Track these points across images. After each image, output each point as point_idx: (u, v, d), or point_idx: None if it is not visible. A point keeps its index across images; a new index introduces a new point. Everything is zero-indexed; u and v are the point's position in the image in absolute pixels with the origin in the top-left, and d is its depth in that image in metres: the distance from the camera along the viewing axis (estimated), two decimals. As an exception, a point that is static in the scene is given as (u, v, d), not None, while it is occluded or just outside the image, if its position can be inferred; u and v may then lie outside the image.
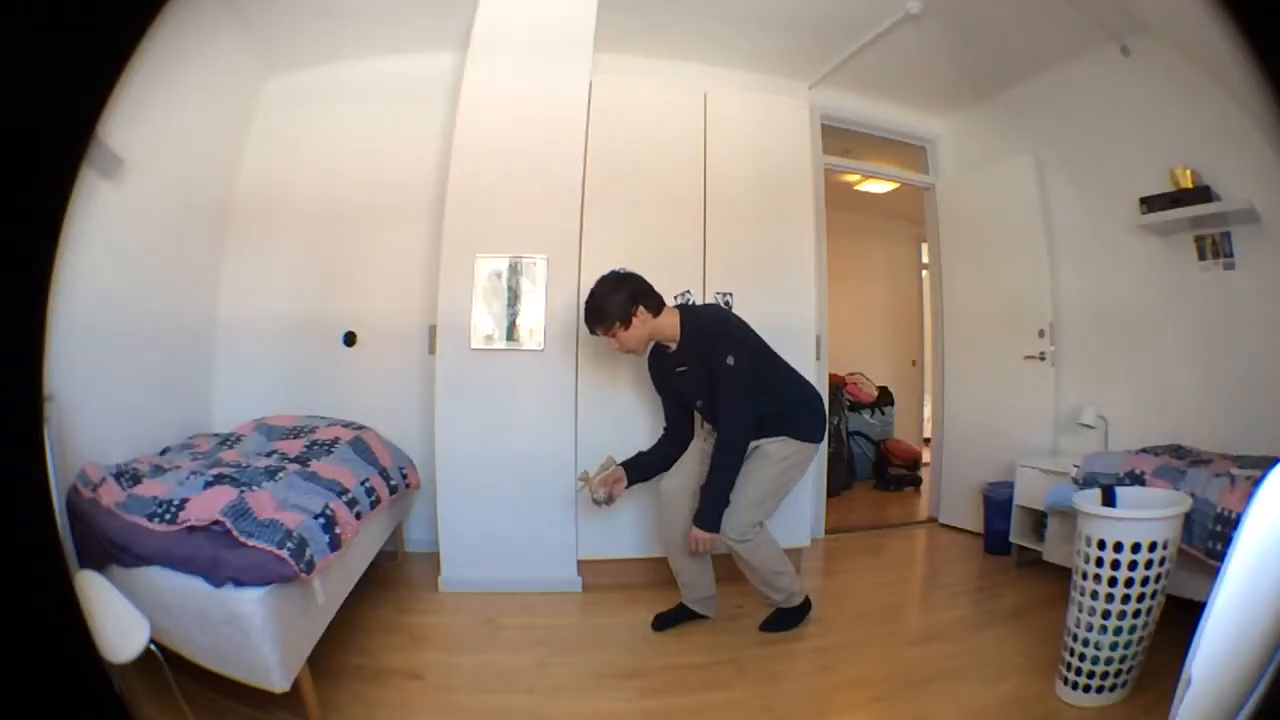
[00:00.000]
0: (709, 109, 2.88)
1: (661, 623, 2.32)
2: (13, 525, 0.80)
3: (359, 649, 2.06)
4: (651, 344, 2.30)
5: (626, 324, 2.18)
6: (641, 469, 2.39)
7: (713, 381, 2.17)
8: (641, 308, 2.20)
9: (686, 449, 2.40)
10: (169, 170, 2.37)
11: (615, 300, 2.18)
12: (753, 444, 2.23)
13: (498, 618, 2.36)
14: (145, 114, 2.05)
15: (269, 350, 2.88)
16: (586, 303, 2.23)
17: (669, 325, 2.24)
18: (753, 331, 2.26)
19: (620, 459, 2.39)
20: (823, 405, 2.41)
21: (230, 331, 2.83)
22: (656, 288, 2.28)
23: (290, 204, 2.91)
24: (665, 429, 2.44)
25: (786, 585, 2.28)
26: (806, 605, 2.35)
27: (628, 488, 2.38)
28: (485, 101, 2.70)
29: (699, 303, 2.72)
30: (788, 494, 2.31)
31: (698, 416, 2.40)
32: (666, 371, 2.32)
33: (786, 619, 2.31)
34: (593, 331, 2.25)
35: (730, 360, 2.12)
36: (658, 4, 2.81)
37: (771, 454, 2.23)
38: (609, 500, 2.34)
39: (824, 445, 3.34)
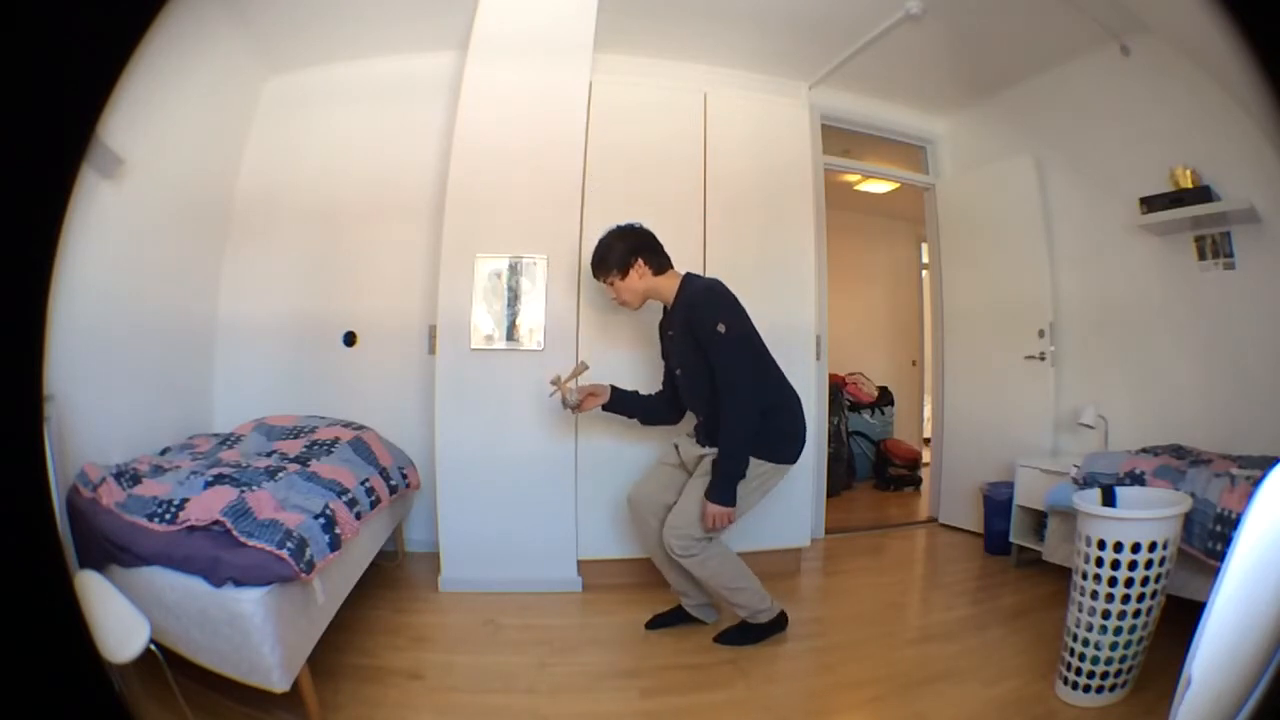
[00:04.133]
0: (709, 109, 2.88)
1: (655, 623, 2.30)
2: (13, 525, 0.80)
3: (359, 649, 2.06)
4: (646, 301, 2.30)
5: (624, 274, 2.22)
6: (624, 400, 2.38)
7: (695, 349, 2.13)
8: (641, 262, 2.22)
9: (669, 418, 2.40)
10: (169, 170, 2.37)
11: (617, 250, 2.22)
12: (710, 451, 2.15)
13: (498, 618, 2.36)
14: (145, 114, 2.05)
15: (269, 350, 2.88)
16: (594, 249, 2.28)
17: (667, 287, 2.25)
18: (745, 315, 2.18)
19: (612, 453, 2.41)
20: (803, 417, 2.24)
21: (230, 331, 2.83)
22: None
23: (290, 204, 2.91)
24: (661, 389, 2.43)
25: (748, 602, 2.17)
26: (779, 623, 2.21)
27: (604, 408, 2.37)
28: (485, 101, 2.70)
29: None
30: (742, 514, 2.15)
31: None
32: (662, 334, 2.36)
33: (748, 633, 2.19)
34: (595, 277, 2.29)
35: (721, 328, 2.07)
36: (658, 4, 2.81)
37: None
38: (579, 406, 2.33)
39: (818, 455, 3.34)
